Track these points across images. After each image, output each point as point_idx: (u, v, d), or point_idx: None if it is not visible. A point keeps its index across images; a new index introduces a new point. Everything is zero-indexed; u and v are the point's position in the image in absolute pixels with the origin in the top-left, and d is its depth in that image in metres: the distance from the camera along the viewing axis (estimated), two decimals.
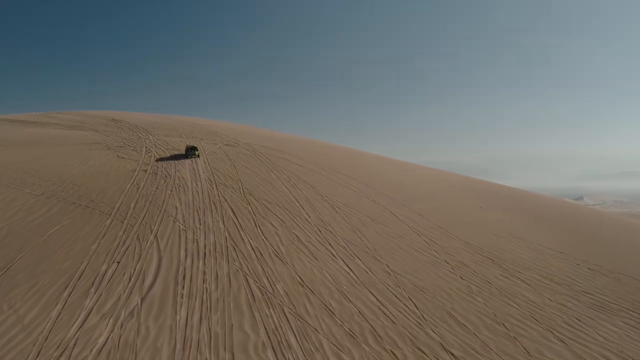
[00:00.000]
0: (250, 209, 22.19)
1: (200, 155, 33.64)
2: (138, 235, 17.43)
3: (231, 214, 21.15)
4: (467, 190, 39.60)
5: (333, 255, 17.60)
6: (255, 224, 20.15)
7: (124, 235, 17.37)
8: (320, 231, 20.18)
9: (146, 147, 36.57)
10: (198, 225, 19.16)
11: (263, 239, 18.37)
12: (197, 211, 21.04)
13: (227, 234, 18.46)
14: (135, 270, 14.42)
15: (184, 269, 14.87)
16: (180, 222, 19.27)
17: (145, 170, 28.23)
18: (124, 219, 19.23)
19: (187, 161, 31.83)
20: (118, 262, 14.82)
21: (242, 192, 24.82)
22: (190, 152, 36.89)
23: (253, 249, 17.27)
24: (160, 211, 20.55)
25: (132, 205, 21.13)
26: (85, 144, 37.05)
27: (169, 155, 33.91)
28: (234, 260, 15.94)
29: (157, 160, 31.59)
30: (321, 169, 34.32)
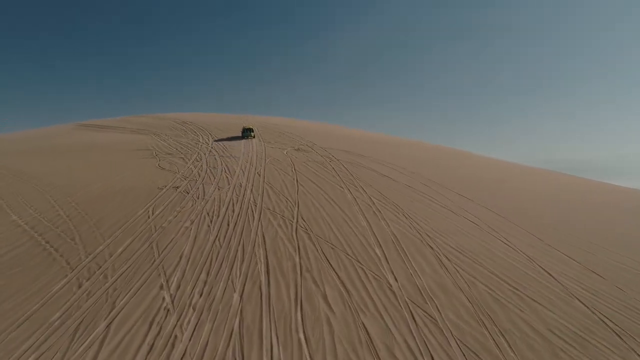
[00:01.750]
0: (297, 260, 13.77)
1: (257, 167, 26.45)
2: (78, 326, 10.11)
3: (263, 271, 12.96)
4: None
5: None
6: (295, 296, 11.63)
7: (52, 326, 10.19)
8: (414, 317, 10.86)
9: (199, 153, 30.70)
10: (196, 299, 11.29)
11: (299, 341, 9.74)
12: (210, 264, 13.28)
13: (235, 324, 10.24)
14: None
15: None
16: (169, 293, 11.62)
17: (177, 187, 21.74)
18: (88, 279, 12.26)
19: (238, 170, 24.83)
20: None
21: (293, 226, 16.58)
22: (246, 132, 39.50)
23: None
24: (152, 264, 13.24)
25: (120, 249, 14.25)
26: (133, 150, 32.59)
27: (220, 163, 27.38)
28: None
29: (201, 171, 25.15)
30: (420, 183, 24.62)
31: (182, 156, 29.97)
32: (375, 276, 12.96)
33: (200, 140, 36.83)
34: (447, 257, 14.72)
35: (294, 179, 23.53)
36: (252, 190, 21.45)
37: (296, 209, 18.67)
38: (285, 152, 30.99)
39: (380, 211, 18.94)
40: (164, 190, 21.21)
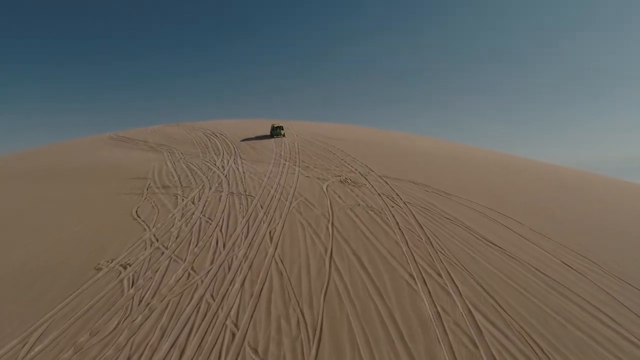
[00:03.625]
0: None
1: (275, 218, 17.12)
2: None
3: None
4: None
5: None
6: None
7: None
8: None
9: (203, 187, 22.06)
10: None
11: None
12: None
13: None
14: None
15: None
16: None
17: (125, 267, 12.99)
18: None
19: (241, 225, 15.59)
20: None
21: None
22: (276, 131, 40.79)
23: None
24: None
25: None
26: (126, 179, 24.79)
27: (223, 208, 18.42)
28: None
29: (187, 224, 16.33)
30: (578, 273, 13.52)
31: (180, 191, 21.44)
32: None
33: (217, 162, 28.28)
34: None
35: (325, 251, 13.72)
36: (245, 279, 12.01)
37: (314, 348, 8.88)
38: (324, 187, 21.23)
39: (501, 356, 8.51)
40: (99, 275, 12.54)
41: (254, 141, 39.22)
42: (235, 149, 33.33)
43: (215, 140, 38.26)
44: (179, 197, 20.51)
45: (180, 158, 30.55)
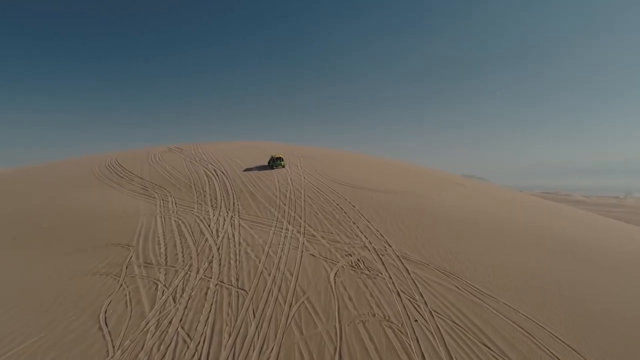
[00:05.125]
0: None
1: (267, 343, 14.02)
2: None
3: None
4: None
5: None
6: None
7: None
8: None
9: (190, 267, 19.06)
10: None
11: None
12: None
13: None
14: None
15: None
16: None
17: None
18: None
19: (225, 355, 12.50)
20: None
21: None
22: (275, 162, 40.20)
23: None
24: None
25: None
26: (104, 245, 21.91)
27: (207, 315, 15.38)
28: None
29: (160, 347, 13.31)
30: None
31: (162, 275, 18.45)
32: None
33: (212, 222, 25.21)
34: None
35: None
36: None
37: None
38: (332, 276, 17.99)
39: None
40: None
41: (255, 176, 36.41)
42: (235, 199, 30.30)
43: (215, 182, 35.29)
44: (159, 285, 17.52)
45: (173, 211, 27.63)
